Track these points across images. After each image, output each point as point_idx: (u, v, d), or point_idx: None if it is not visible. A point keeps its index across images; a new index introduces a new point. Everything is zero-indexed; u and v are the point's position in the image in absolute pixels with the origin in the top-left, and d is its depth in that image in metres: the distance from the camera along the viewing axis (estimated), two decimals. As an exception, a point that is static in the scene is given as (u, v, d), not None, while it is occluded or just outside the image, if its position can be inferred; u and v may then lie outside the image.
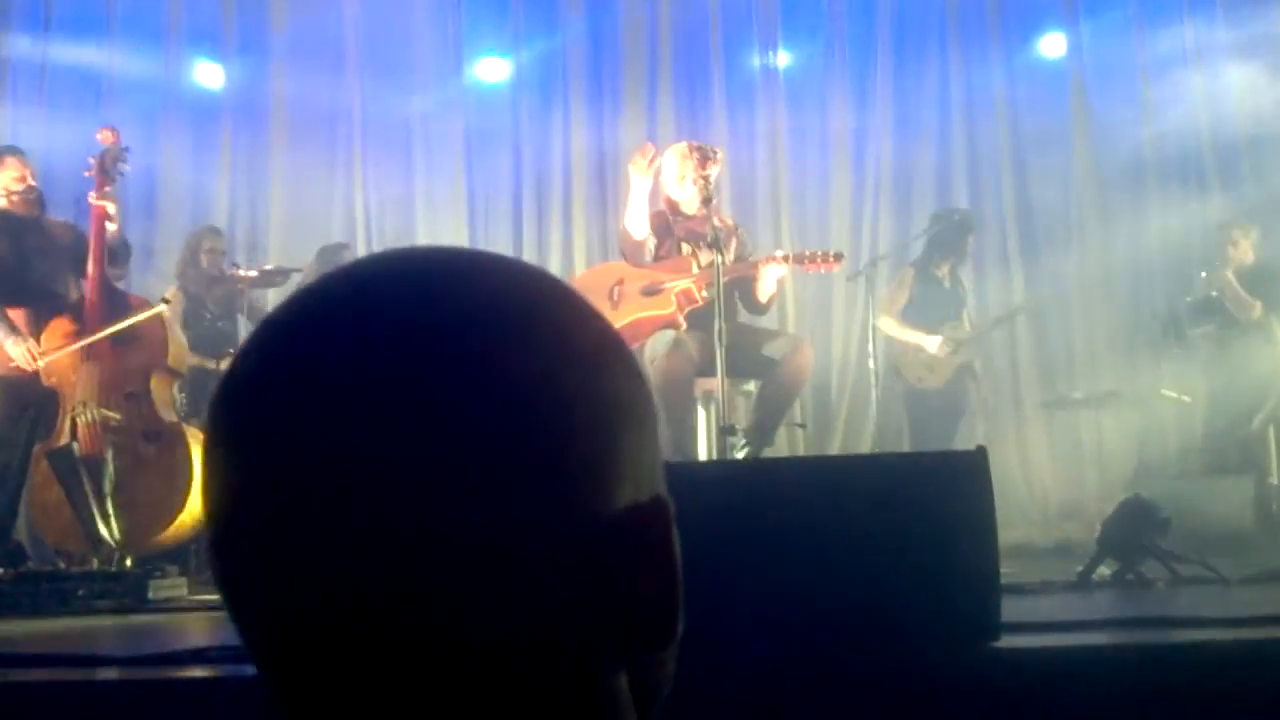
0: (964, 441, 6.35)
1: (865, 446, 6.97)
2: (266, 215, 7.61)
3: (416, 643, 0.54)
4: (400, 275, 0.59)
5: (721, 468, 3.75)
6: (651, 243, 5.61)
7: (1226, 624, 2.85)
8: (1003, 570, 2.84)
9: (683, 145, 5.77)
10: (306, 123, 7.60)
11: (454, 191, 7.58)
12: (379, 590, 0.54)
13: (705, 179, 5.47)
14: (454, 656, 0.55)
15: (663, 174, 5.74)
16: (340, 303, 0.58)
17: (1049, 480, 7.36)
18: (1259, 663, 2.51)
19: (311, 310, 0.58)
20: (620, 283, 5.60)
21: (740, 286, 5.66)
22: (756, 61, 7.93)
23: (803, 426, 6.19)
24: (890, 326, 6.81)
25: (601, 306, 4.82)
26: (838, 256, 5.62)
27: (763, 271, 5.55)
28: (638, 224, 5.53)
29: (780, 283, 5.88)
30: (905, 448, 6.53)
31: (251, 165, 7.66)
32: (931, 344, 6.72)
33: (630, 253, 5.64)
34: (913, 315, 6.82)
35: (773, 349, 5.54)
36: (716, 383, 5.09)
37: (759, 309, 5.76)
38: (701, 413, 5.60)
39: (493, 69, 7.83)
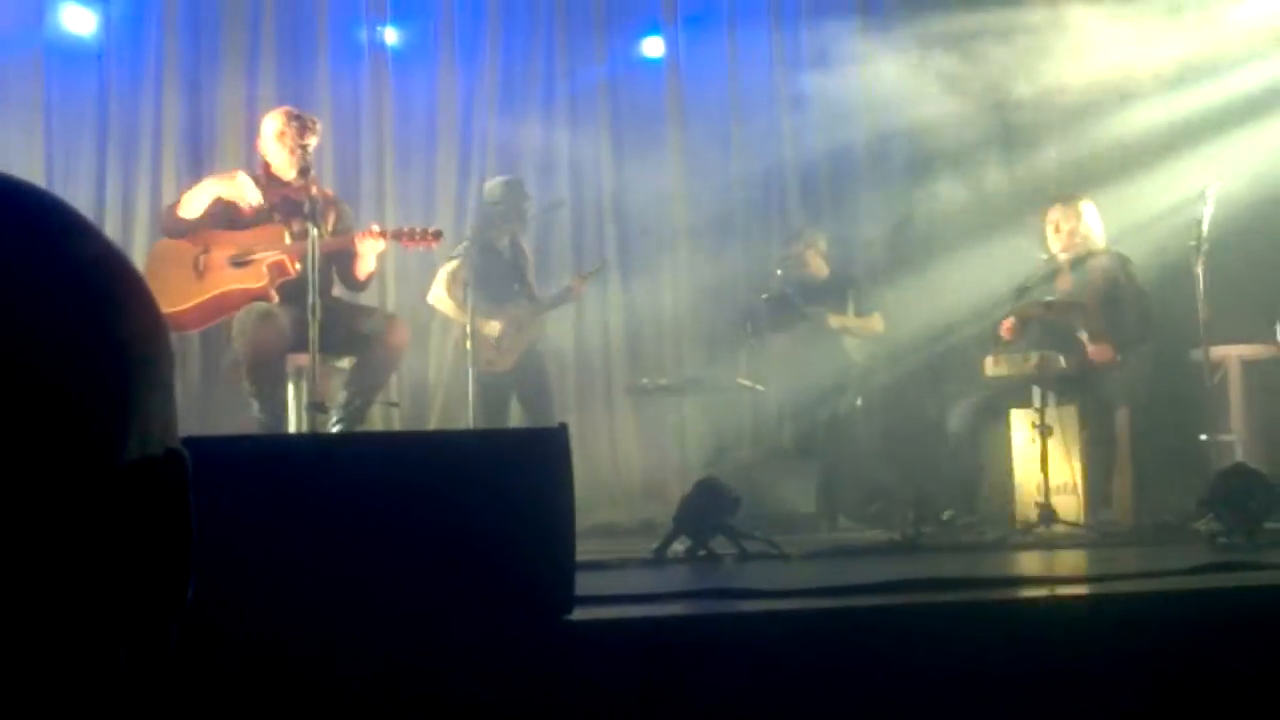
0: (554, 423, 6.43)
1: (464, 427, 6.97)
2: None
3: None
4: None
5: (302, 441, 3.67)
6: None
7: (784, 595, 3.06)
8: (586, 549, 2.92)
9: (281, 112, 5.61)
10: None
11: (30, 146, 7.00)
12: None
13: (303, 148, 5.34)
14: None
15: (261, 139, 5.57)
16: None
17: (634, 462, 7.62)
18: (811, 630, 2.72)
19: None
20: (207, 251, 5.36)
21: (338, 261, 5.55)
22: (364, 35, 7.79)
23: (395, 405, 6.13)
24: (444, 304, 6.58)
25: (185, 276, 4.59)
26: (437, 234, 5.62)
27: (361, 246, 5.46)
28: (194, 208, 5.36)
29: (380, 259, 5.80)
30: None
31: None
32: (491, 329, 6.46)
33: (170, 227, 5.43)
34: (477, 292, 6.37)
35: (368, 326, 5.47)
36: (308, 358, 4.97)
37: (357, 286, 5.66)
38: (292, 389, 5.46)
39: (79, 18, 7.29)
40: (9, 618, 0.49)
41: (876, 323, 6.98)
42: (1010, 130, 7.47)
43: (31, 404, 0.50)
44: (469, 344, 6.16)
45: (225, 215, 5.41)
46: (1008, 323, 6.07)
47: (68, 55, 7.21)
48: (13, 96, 7.07)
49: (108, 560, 0.52)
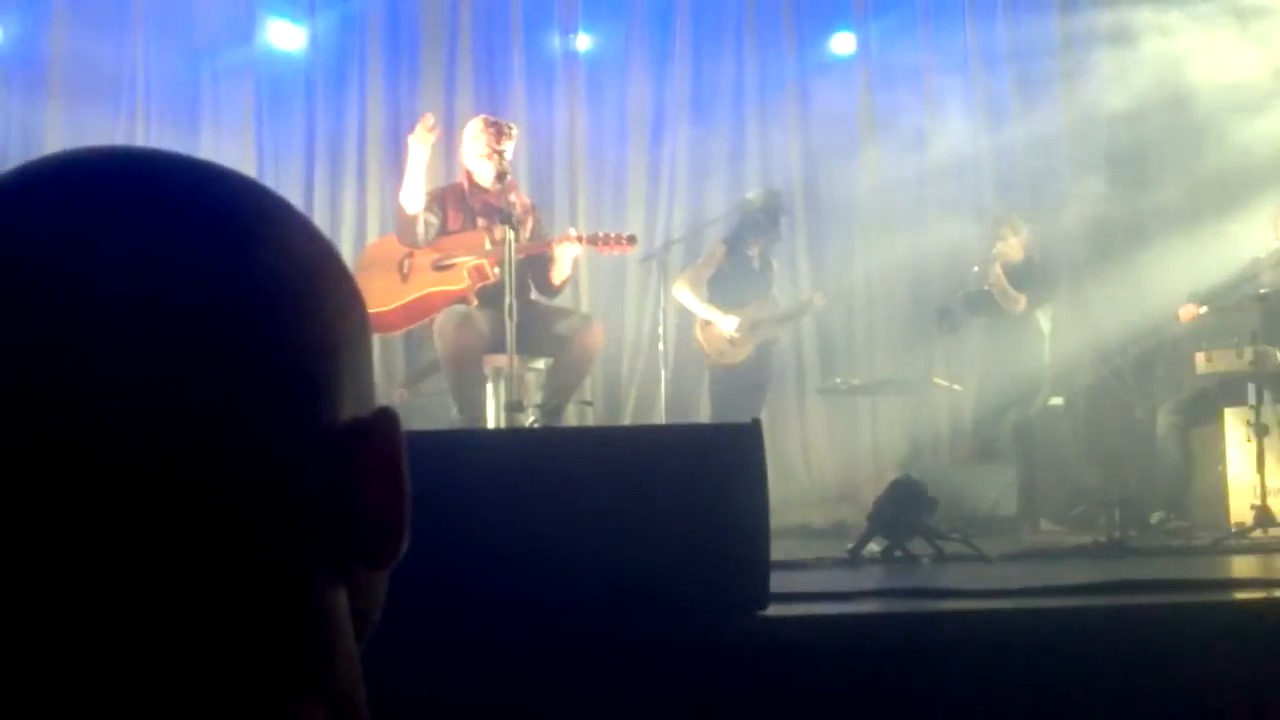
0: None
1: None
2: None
3: (115, 548, 0.51)
4: (112, 177, 0.57)
5: (499, 436, 3.75)
6: (427, 220, 5.51)
7: (984, 595, 2.99)
8: (780, 549, 2.91)
9: (479, 119, 5.76)
10: (86, 82, 7.26)
11: (243, 158, 7.36)
12: (71, 499, 0.51)
13: (500, 154, 5.45)
14: (159, 565, 0.52)
15: (462, 147, 5.72)
16: (47, 194, 0.55)
17: (827, 464, 7.57)
18: (1012, 631, 2.65)
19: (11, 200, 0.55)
20: (411, 255, 5.53)
21: (534, 267, 5.66)
22: (557, 42, 7.93)
23: (590, 404, 6.22)
24: (686, 297, 6.78)
25: (391, 279, 4.73)
26: (631, 239, 5.68)
27: (557, 252, 5.57)
28: (412, 198, 5.44)
29: (575, 263, 5.91)
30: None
31: (27, 125, 7.27)
32: (728, 324, 6.71)
33: (403, 230, 5.52)
34: (719, 291, 6.78)
35: (564, 328, 5.56)
36: (506, 359, 5.08)
37: (552, 291, 5.77)
38: (490, 389, 5.59)
39: (287, 34, 7.63)
40: (240, 566, 0.54)
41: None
42: (1222, 114, 7.15)
43: (260, 367, 0.54)
44: (717, 337, 6.65)
45: (407, 229, 5.55)
46: (1189, 309, 5.83)
47: (276, 70, 7.55)
48: (225, 111, 7.44)
49: (330, 512, 0.57)
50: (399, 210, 5.52)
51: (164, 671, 0.52)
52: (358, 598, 0.60)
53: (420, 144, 5.38)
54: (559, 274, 5.63)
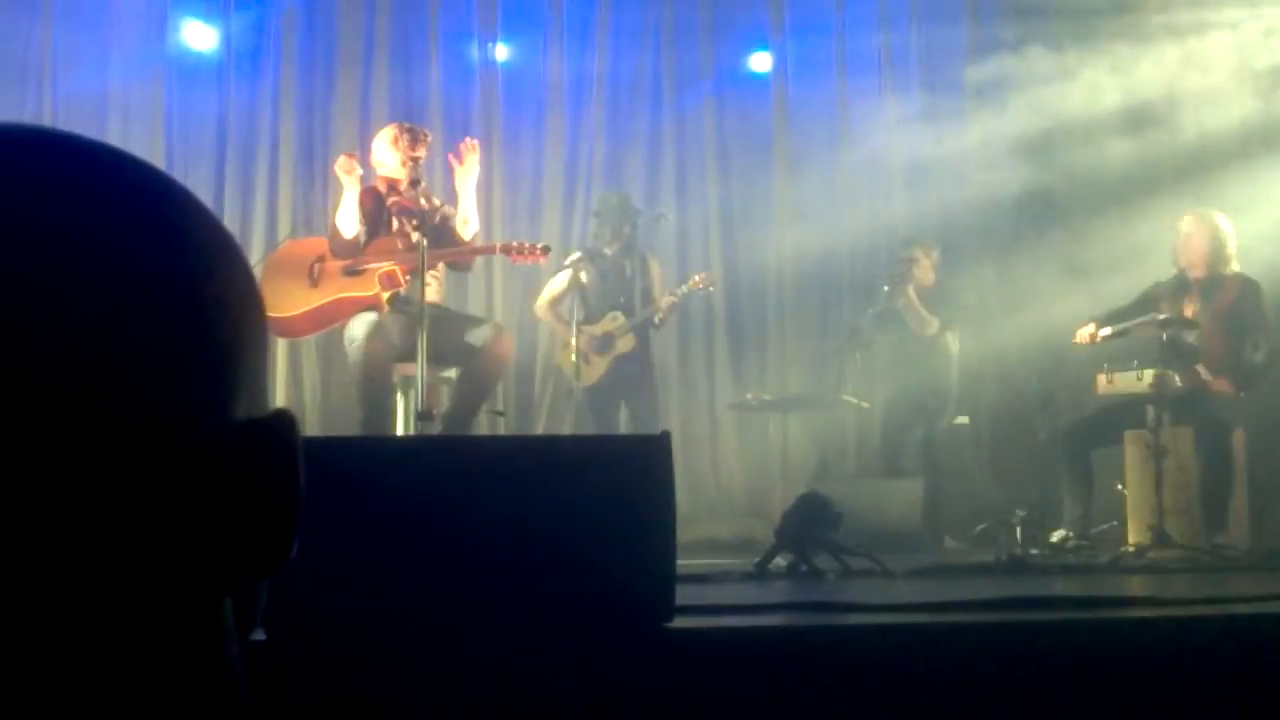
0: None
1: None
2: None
3: None
4: (12, 152, 0.54)
5: (407, 443, 3.71)
6: (363, 239, 5.47)
7: (887, 609, 3.02)
8: (688, 562, 2.92)
9: (393, 126, 5.72)
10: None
11: (152, 157, 7.19)
12: None
13: (415, 160, 5.42)
14: (34, 565, 0.49)
15: (374, 153, 5.67)
16: None
17: (737, 478, 7.60)
18: (915, 645, 2.68)
19: None
20: (322, 260, 5.47)
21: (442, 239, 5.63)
22: (475, 52, 7.90)
23: (501, 414, 6.18)
24: (544, 312, 6.69)
25: (300, 284, 4.66)
26: (545, 249, 5.65)
27: (459, 167, 5.59)
28: (348, 223, 5.39)
29: (488, 274, 5.89)
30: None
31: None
32: (577, 342, 6.40)
33: (341, 249, 5.45)
34: (589, 303, 6.49)
35: (475, 336, 5.52)
36: (416, 368, 5.04)
37: (464, 262, 5.76)
38: (400, 398, 5.54)
39: (200, 34, 7.52)
40: (124, 567, 0.51)
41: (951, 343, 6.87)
42: (1139, 136, 7.31)
43: (158, 358, 0.52)
44: (572, 356, 6.24)
45: (346, 251, 5.50)
46: (1088, 331, 5.94)
47: (188, 70, 7.44)
48: (135, 110, 7.31)
49: (219, 513, 0.54)
50: (335, 232, 5.44)
51: (31, 687, 0.49)
52: (239, 600, 0.58)
53: (346, 175, 5.35)
54: (468, 231, 5.58)
